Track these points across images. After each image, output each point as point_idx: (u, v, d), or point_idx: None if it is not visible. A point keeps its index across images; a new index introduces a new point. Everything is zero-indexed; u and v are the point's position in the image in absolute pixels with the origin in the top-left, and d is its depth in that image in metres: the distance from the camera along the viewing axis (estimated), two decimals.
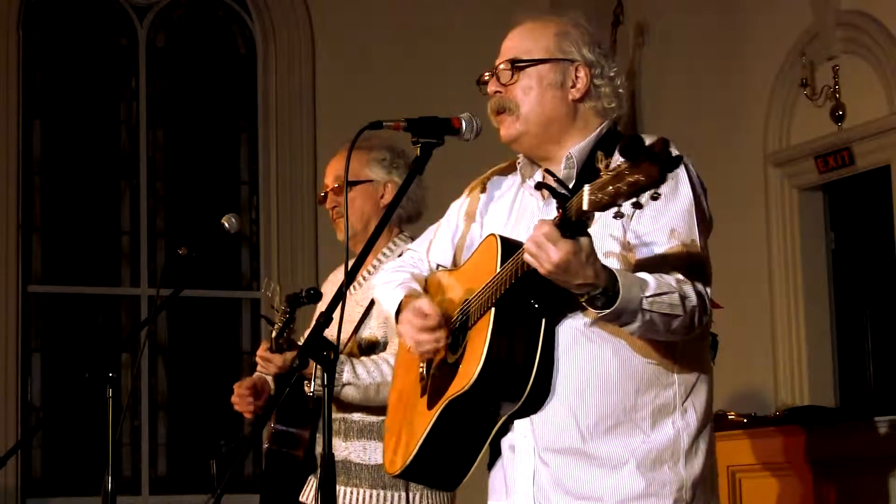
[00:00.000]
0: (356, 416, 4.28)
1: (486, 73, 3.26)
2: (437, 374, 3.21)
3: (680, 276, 3.01)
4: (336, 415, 4.28)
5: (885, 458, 5.71)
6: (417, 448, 3.14)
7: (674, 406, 3.10)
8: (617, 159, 2.59)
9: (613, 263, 3.03)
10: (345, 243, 4.48)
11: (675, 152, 2.58)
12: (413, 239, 4.43)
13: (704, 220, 3.13)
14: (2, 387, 8.05)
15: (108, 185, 8.73)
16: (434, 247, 3.52)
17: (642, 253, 3.05)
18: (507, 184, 3.36)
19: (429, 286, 3.44)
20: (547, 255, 2.79)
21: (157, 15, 8.91)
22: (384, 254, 4.42)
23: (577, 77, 3.21)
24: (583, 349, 3.07)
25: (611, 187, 2.60)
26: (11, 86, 8.28)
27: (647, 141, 2.56)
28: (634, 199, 2.58)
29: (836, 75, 7.34)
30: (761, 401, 7.31)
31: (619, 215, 2.62)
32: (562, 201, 2.78)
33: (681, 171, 3.09)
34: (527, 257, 2.83)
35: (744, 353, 7.44)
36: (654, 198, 2.58)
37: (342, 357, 4.19)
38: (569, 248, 2.77)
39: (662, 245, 3.04)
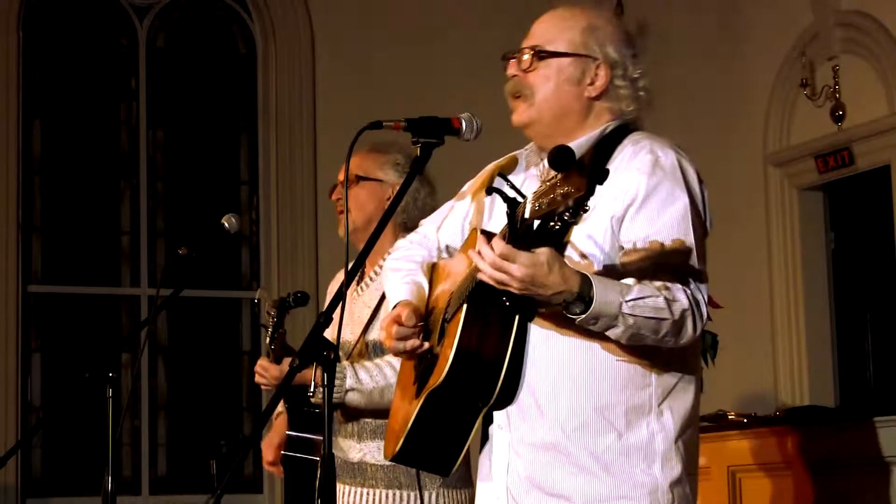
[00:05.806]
0: (368, 418, 4.27)
1: (510, 53, 3.23)
2: (427, 364, 3.22)
3: (669, 283, 2.95)
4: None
5: (885, 458, 5.71)
6: (405, 435, 3.15)
7: (649, 408, 3.05)
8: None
9: (593, 267, 3.00)
10: (345, 240, 4.49)
11: (607, 166, 2.57)
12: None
13: (701, 224, 3.09)
14: (2, 387, 8.04)
15: (108, 185, 8.72)
16: (445, 225, 3.48)
17: (635, 258, 3.00)
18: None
19: (435, 272, 3.43)
20: (510, 275, 2.78)
21: (157, 15, 8.90)
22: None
23: (596, 75, 3.18)
24: (556, 344, 3.04)
25: (546, 198, 2.59)
26: (11, 86, 8.27)
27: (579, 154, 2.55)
28: (570, 211, 2.56)
29: (836, 75, 7.35)
30: (761, 401, 7.30)
31: (560, 224, 2.61)
32: (511, 207, 2.74)
33: (678, 173, 3.07)
34: (484, 277, 2.81)
35: (744, 353, 7.44)
36: (585, 210, 2.56)
37: (344, 363, 4.18)
38: (527, 262, 2.76)
39: (656, 250, 2.98)
